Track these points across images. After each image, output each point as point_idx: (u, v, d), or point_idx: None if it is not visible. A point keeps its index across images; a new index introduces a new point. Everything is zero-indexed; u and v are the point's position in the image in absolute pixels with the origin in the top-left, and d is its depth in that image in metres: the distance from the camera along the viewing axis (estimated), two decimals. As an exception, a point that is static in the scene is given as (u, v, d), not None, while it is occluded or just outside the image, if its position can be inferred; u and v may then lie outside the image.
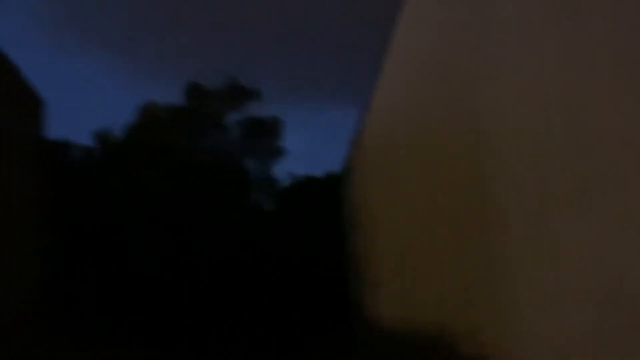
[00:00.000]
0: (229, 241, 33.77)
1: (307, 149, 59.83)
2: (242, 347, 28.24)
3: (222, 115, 35.54)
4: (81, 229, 31.41)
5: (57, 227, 23.26)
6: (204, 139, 35.34)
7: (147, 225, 32.85)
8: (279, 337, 30.00)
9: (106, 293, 31.69)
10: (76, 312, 28.70)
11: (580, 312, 4.94)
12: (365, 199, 19.81)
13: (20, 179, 18.13)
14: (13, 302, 17.09)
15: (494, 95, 6.79)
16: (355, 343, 26.16)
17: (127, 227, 32.57)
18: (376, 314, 18.92)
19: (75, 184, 32.29)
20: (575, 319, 5.04)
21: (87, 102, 56.72)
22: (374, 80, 15.91)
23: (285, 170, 37.11)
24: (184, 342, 28.51)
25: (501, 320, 7.07)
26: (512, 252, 6.57)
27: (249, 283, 33.48)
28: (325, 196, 33.86)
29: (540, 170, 5.57)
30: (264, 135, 35.72)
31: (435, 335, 10.62)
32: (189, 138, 35.49)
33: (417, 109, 10.96)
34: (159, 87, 69.94)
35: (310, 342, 28.75)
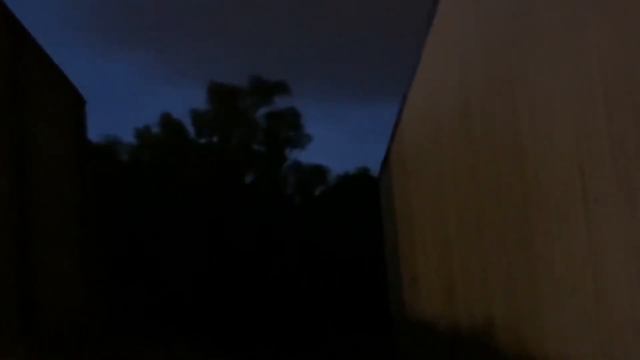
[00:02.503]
0: (266, 238, 33.92)
1: (348, 145, 59.57)
2: (280, 345, 28.36)
3: (248, 110, 35.64)
4: (126, 226, 31.80)
5: (104, 227, 23.61)
6: (231, 136, 35.53)
7: (186, 224, 33.16)
8: (316, 336, 30.02)
9: (153, 292, 32.05)
10: (124, 313, 29.04)
11: (624, 308, 4.84)
12: (403, 193, 19.72)
13: (65, 180, 18.39)
14: (63, 306, 17.36)
15: (536, 89, 6.69)
16: (394, 339, 26.07)
17: (167, 227, 32.92)
18: (415, 310, 18.83)
19: (121, 183, 32.70)
20: (620, 314, 4.95)
21: (117, 100, 57.28)
22: (412, 74, 15.80)
23: (324, 166, 37.02)
24: (224, 339, 28.71)
25: (543, 316, 6.99)
26: (554, 247, 6.49)
27: (285, 280, 33.56)
28: (363, 192, 33.77)
29: (583, 163, 5.47)
30: (284, 127, 35.75)
31: (477, 331, 10.53)
32: (217, 136, 35.71)
33: (457, 102, 10.86)
34: (194, 84, 70.33)
35: (348, 339, 28.72)
